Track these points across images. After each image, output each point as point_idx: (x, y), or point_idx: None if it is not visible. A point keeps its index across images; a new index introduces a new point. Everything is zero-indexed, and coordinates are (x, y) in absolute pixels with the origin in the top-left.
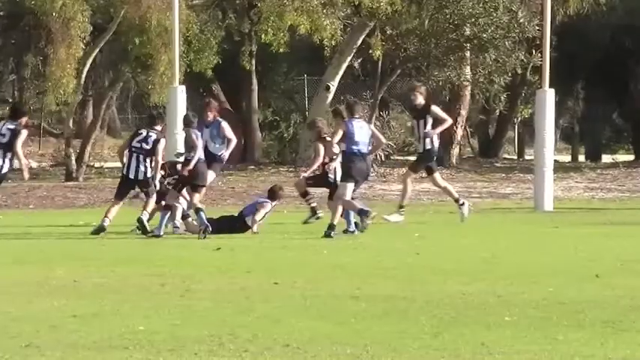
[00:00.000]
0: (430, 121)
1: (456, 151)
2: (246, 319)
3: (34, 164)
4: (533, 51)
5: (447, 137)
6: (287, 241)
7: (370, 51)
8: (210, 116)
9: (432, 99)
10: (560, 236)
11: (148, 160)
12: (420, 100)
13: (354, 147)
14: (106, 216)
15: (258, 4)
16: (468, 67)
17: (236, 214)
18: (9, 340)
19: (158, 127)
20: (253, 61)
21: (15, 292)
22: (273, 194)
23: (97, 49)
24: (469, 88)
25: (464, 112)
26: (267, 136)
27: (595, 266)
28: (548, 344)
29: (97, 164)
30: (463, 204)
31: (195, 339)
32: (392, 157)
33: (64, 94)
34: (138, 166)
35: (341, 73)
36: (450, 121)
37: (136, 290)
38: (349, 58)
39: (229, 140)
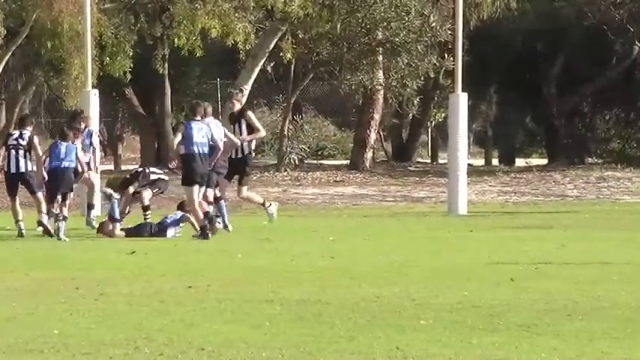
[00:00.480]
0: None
1: (369, 154)
2: (161, 322)
3: None
4: (446, 55)
5: (360, 141)
6: (201, 245)
7: (282, 55)
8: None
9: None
10: (475, 240)
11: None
12: (237, 106)
13: (193, 148)
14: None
15: (170, 8)
16: (381, 71)
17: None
18: None
19: (29, 128)
20: (166, 65)
21: None
22: (182, 207)
23: (9, 53)
24: (382, 92)
25: (377, 116)
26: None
27: (510, 270)
28: (463, 348)
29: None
30: (270, 205)
31: (110, 342)
32: (305, 161)
33: None
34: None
35: (254, 76)
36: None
37: (50, 294)
38: (262, 62)
39: None
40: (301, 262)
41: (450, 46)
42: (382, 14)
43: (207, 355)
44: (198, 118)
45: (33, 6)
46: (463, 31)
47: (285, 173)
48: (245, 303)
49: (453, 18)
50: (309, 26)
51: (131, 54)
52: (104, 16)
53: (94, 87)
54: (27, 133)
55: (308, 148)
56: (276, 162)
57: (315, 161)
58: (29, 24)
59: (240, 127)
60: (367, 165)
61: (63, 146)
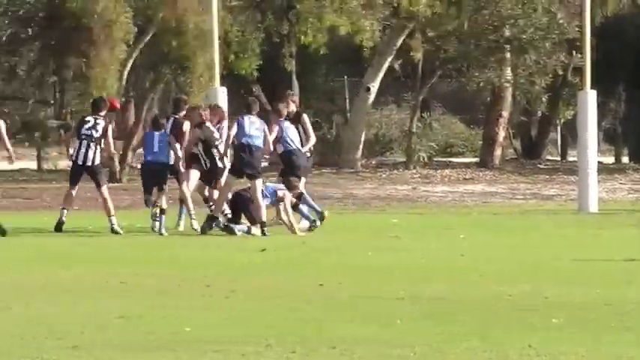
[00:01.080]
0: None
1: (498, 152)
2: (292, 320)
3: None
4: (574, 52)
5: (489, 138)
6: (331, 242)
7: (411, 53)
8: None
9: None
10: (606, 238)
11: (97, 147)
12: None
13: (244, 139)
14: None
15: (297, 6)
16: (509, 69)
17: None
18: (56, 342)
19: (102, 113)
20: (293, 63)
21: (61, 293)
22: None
23: (137, 51)
24: (510, 89)
25: (505, 114)
26: None
27: None
28: (595, 346)
29: (139, 165)
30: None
31: (241, 340)
32: (434, 159)
33: (108, 95)
34: (87, 153)
35: (381, 74)
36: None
37: (181, 291)
38: (389, 60)
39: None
40: (431, 259)
41: (577, 43)
42: (509, 11)
43: (338, 353)
44: (254, 114)
45: (159, 4)
46: (590, 27)
47: (415, 171)
48: (376, 301)
49: (580, 15)
50: (436, 24)
51: (258, 51)
52: (229, 14)
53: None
54: (101, 122)
55: (437, 145)
56: (404, 160)
57: (444, 159)
58: (156, 22)
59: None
60: (496, 162)
61: (156, 137)
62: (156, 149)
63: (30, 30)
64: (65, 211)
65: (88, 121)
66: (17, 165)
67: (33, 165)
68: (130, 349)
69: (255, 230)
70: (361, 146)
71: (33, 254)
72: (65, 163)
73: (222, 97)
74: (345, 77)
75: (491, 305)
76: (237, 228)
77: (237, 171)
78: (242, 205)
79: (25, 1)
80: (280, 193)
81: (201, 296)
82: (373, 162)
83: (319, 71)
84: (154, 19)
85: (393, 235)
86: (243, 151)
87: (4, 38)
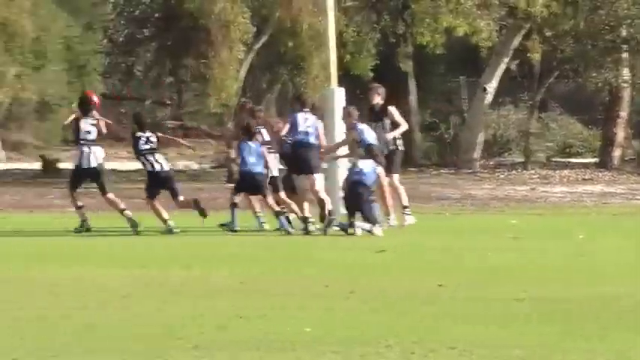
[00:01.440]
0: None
1: (617, 152)
2: (411, 321)
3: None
4: None
5: (608, 139)
6: (449, 242)
7: (528, 54)
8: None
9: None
10: None
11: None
12: (377, 100)
13: (299, 136)
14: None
15: (412, 6)
16: (626, 69)
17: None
18: (176, 342)
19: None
20: (410, 63)
21: (180, 293)
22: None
23: (253, 52)
24: (628, 89)
25: (623, 114)
26: (426, 137)
27: None
28: None
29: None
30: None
31: (360, 340)
32: (553, 159)
33: (227, 96)
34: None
35: (498, 74)
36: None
37: (301, 291)
38: (506, 60)
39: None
40: (550, 260)
41: None
42: (625, 11)
43: (457, 353)
44: (307, 109)
45: (274, 4)
46: None
47: (533, 171)
48: (494, 302)
49: None
50: (552, 24)
51: (374, 52)
52: (344, 15)
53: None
54: (151, 134)
55: (556, 146)
56: (522, 160)
57: (562, 159)
58: (272, 22)
59: (383, 124)
60: (615, 163)
61: (249, 147)
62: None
63: (146, 31)
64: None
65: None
66: (135, 165)
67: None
68: (249, 348)
69: (377, 230)
70: (479, 147)
71: (149, 253)
72: (183, 164)
73: (338, 97)
74: (462, 77)
75: (610, 306)
76: (357, 226)
77: (294, 169)
78: (357, 205)
79: (142, 1)
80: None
81: (321, 297)
82: (491, 162)
83: (436, 71)
84: (270, 20)
85: (512, 236)
86: (298, 148)
87: (120, 39)
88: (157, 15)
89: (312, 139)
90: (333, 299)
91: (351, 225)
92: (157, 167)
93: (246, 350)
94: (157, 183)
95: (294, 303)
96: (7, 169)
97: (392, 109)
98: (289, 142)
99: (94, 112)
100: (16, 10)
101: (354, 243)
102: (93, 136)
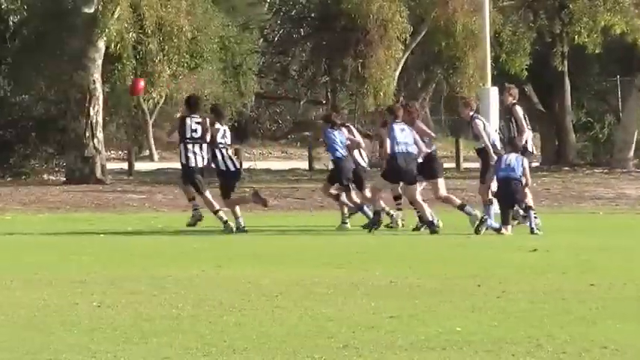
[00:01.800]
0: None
1: None
2: (562, 320)
3: None
4: None
5: None
6: (604, 241)
7: None
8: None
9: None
10: None
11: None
12: (510, 100)
13: (396, 148)
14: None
15: (570, 5)
16: None
17: None
18: (326, 341)
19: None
20: (565, 62)
21: (331, 292)
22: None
23: (409, 51)
24: None
25: None
26: (580, 137)
27: None
28: None
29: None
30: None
31: (511, 340)
32: None
33: (384, 95)
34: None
35: None
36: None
37: (452, 291)
38: None
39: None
40: None
41: None
42: None
43: (610, 353)
44: (399, 120)
45: (430, 4)
46: None
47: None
48: None
49: None
50: None
51: (529, 51)
52: (500, 14)
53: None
54: (224, 127)
55: None
56: None
57: None
58: (428, 22)
59: (509, 123)
60: None
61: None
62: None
63: (302, 30)
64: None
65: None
66: (289, 165)
67: (304, 165)
68: (400, 348)
69: (505, 230)
70: (634, 146)
71: (301, 253)
72: None
73: (493, 96)
74: (618, 77)
75: None
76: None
77: (391, 179)
78: (512, 200)
79: (298, 1)
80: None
81: (472, 295)
82: None
83: (591, 70)
84: (426, 19)
85: None
86: (397, 159)
87: (276, 39)
88: (312, 14)
89: (411, 149)
90: (484, 298)
91: (505, 223)
92: (230, 165)
93: (395, 350)
94: (229, 180)
95: (444, 302)
96: (159, 169)
97: (517, 108)
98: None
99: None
100: (173, 10)
101: (506, 242)
102: (198, 134)
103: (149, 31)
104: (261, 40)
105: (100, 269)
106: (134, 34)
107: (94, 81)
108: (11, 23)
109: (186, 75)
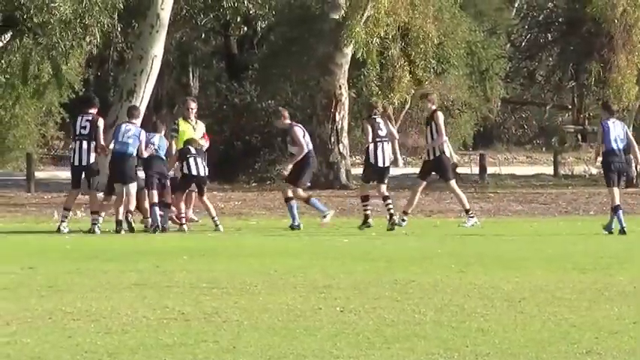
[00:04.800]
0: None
1: None
2: None
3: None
4: None
5: None
6: None
7: None
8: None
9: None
10: None
11: None
12: (429, 106)
13: (612, 144)
14: None
15: None
16: None
17: None
18: (569, 347)
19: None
20: None
21: (575, 298)
22: None
23: None
24: None
25: None
26: None
27: None
28: None
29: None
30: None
31: None
32: None
33: (626, 100)
34: None
35: None
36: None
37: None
38: None
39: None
40: None
41: None
42: None
43: None
44: (613, 117)
45: None
46: None
47: None
48: None
49: None
50: None
51: None
52: None
53: None
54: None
55: None
56: None
57: None
58: None
59: (430, 130)
60: None
61: None
62: None
63: (549, 35)
64: None
65: None
66: (534, 170)
67: (549, 170)
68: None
69: None
70: None
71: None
72: (581, 169)
73: None
74: None
75: None
76: None
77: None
78: None
79: (545, 6)
80: None
81: None
82: None
83: None
84: None
85: None
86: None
87: (523, 43)
88: (560, 19)
89: (621, 145)
90: None
91: None
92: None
93: (639, 356)
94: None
95: None
96: (404, 174)
97: (439, 114)
98: None
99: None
100: (420, 15)
101: None
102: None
103: (391, 37)
104: (508, 45)
105: (343, 274)
106: (379, 40)
107: (340, 86)
108: (259, 29)
109: (431, 80)
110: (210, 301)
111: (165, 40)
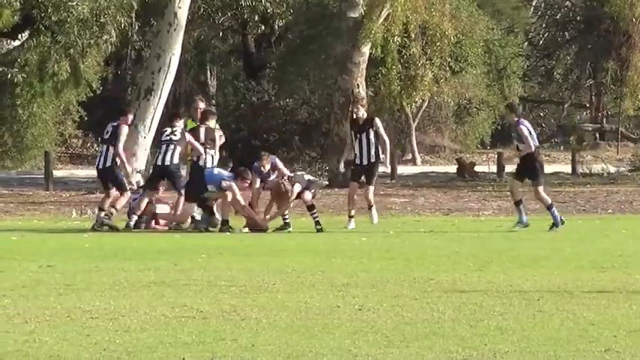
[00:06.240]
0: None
1: None
2: None
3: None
4: None
5: None
6: None
7: None
8: None
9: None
10: None
11: None
12: (362, 112)
13: None
14: None
15: None
16: None
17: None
18: (587, 345)
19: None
20: None
21: (593, 296)
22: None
23: None
24: None
25: None
26: None
27: None
28: None
29: None
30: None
31: None
32: None
33: None
34: None
35: None
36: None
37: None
38: None
39: None
40: None
41: None
42: None
43: None
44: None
45: None
46: None
47: None
48: None
49: None
50: None
51: None
52: None
53: None
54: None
55: None
56: None
57: None
58: None
59: (367, 136)
60: None
61: None
62: None
63: (567, 34)
64: None
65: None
66: (552, 168)
67: (567, 168)
68: None
69: None
70: None
71: (554, 256)
72: (600, 167)
73: None
74: None
75: None
76: None
77: None
78: None
79: (563, 5)
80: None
81: None
82: None
83: None
84: None
85: None
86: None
87: (540, 42)
88: (578, 18)
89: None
90: None
91: None
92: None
93: None
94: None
95: None
96: (422, 172)
97: (378, 120)
98: None
99: None
100: (437, 14)
101: None
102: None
103: (412, 35)
104: (526, 43)
105: (362, 272)
106: (398, 38)
107: (357, 85)
108: (276, 27)
109: (448, 78)
110: (229, 299)
111: (182, 38)
